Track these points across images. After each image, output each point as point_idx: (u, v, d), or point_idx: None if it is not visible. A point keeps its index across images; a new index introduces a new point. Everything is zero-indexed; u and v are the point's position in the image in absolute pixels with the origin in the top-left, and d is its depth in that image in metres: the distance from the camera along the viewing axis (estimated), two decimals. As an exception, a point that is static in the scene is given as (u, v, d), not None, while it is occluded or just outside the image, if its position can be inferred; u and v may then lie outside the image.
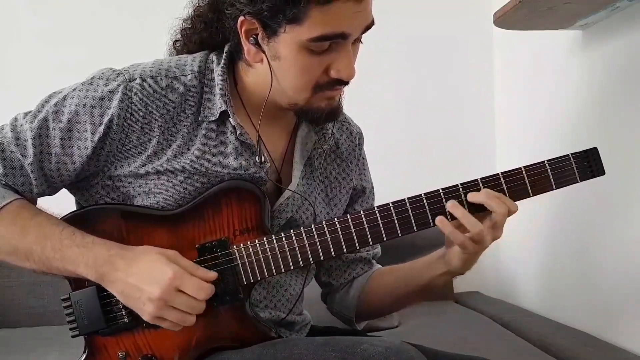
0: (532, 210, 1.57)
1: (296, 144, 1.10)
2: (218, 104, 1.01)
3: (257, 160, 1.01)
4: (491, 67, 2.31)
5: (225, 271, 0.97)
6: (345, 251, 0.99)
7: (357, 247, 0.99)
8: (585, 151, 1.00)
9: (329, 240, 0.98)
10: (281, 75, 0.98)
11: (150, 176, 1.00)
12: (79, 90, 0.99)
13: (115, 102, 0.97)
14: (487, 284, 2.23)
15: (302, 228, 0.98)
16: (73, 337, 0.99)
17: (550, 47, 1.81)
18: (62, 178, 1.01)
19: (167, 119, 1.00)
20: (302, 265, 0.99)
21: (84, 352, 1.00)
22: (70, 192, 1.07)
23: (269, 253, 0.98)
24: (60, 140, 0.99)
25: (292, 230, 0.98)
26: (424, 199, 0.98)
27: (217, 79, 1.02)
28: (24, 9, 2.19)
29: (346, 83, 0.99)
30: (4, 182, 0.99)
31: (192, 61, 1.04)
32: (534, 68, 1.98)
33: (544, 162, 0.99)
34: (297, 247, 0.98)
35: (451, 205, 0.96)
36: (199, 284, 0.92)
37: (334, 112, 1.03)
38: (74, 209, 1.06)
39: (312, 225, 0.98)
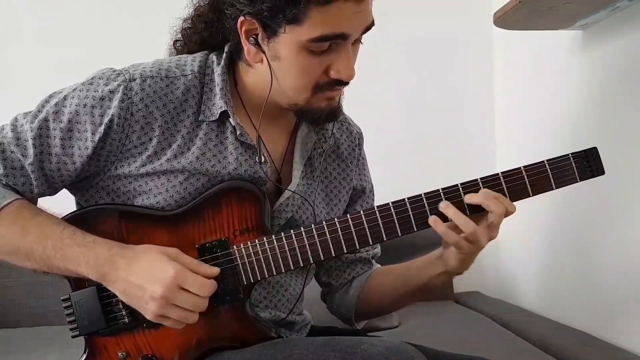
0: (532, 210, 1.57)
1: (296, 144, 1.10)
2: (218, 104, 1.01)
3: (257, 161, 1.01)
4: (491, 67, 2.31)
5: (225, 271, 0.97)
6: (345, 251, 0.99)
7: (357, 247, 0.99)
8: (585, 151, 1.01)
9: (329, 240, 0.98)
10: (281, 76, 0.98)
11: (151, 176, 1.00)
12: (80, 90, 0.99)
13: (115, 102, 0.97)
14: (487, 284, 2.23)
15: (302, 228, 0.98)
16: (73, 337, 0.99)
17: (550, 47, 1.81)
18: (63, 178, 1.01)
19: (167, 119, 1.00)
20: (302, 265, 0.99)
21: (84, 352, 1.00)
22: (71, 192, 1.07)
23: (269, 253, 0.98)
24: (60, 141, 0.99)
25: (292, 231, 0.99)
26: (424, 199, 0.98)
27: (217, 79, 1.02)
28: (24, 9, 2.19)
29: (346, 83, 0.99)
30: (4, 183, 0.99)
31: (192, 61, 1.04)
32: (534, 68, 1.98)
33: (543, 162, 0.99)
34: (297, 247, 0.98)
35: (444, 206, 0.97)
36: (201, 281, 0.92)
37: (334, 113, 1.03)
38: (74, 209, 1.06)
39: (312, 225, 0.98)
